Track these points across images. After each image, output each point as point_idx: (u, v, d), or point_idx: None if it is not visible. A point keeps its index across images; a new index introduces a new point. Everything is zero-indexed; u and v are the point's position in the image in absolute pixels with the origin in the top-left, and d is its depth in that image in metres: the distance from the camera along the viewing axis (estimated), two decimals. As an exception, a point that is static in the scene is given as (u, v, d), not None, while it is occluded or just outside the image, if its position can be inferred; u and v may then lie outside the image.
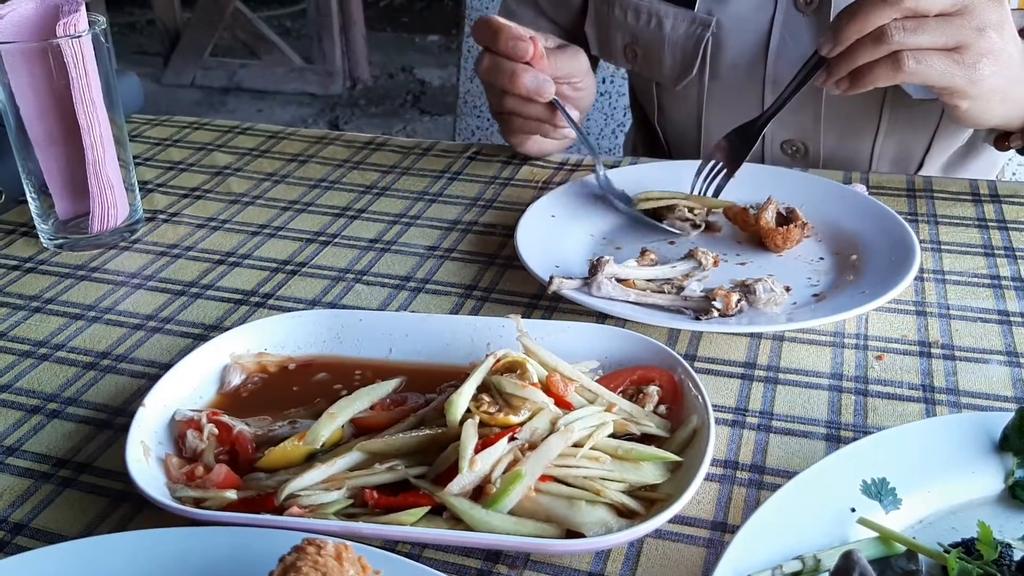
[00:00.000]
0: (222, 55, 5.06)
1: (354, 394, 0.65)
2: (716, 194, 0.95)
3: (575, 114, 0.99)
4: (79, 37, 0.86)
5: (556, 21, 1.25)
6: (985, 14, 0.83)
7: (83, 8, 0.88)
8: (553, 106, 0.97)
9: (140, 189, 1.00)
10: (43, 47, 0.86)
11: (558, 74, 0.97)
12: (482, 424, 0.59)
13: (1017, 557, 0.52)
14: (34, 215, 0.94)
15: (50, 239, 0.94)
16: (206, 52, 4.94)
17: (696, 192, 0.95)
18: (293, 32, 5.77)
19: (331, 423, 0.61)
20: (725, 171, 0.95)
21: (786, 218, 0.88)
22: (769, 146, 1.16)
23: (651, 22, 1.15)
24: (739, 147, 0.94)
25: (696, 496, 0.60)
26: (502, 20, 0.97)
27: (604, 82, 2.43)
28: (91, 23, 0.88)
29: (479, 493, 0.56)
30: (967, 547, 0.52)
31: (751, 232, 0.89)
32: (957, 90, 0.86)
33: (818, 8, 1.06)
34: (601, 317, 0.77)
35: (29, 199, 0.93)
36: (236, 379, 0.70)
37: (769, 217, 0.87)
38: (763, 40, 1.10)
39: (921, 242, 0.86)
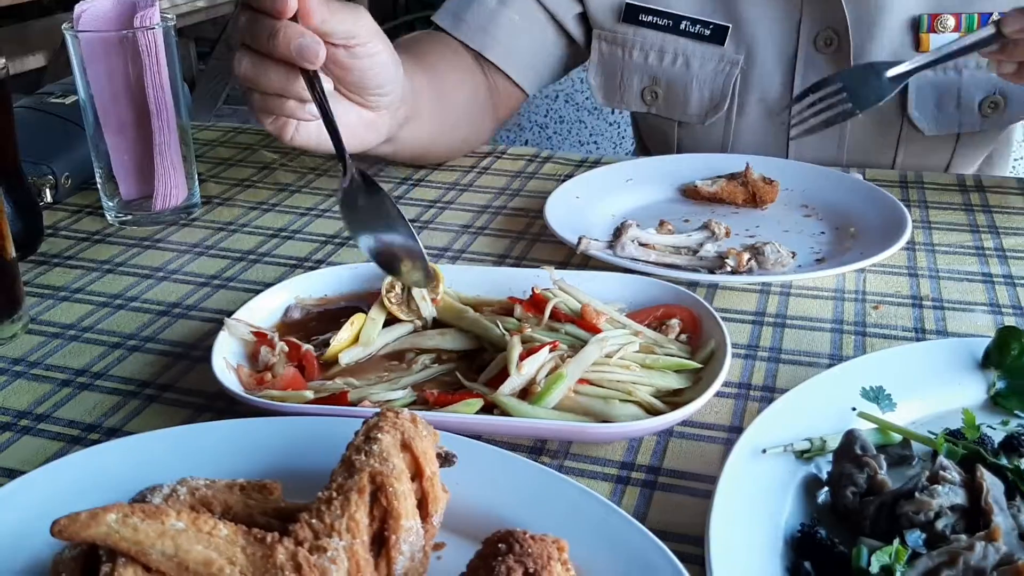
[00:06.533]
0: (236, 103, 5.21)
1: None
2: (827, 125, 0.96)
3: (329, 86, 0.83)
4: (153, 29, 0.96)
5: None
6: None
7: (157, 4, 0.98)
8: (304, 75, 0.77)
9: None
10: (120, 37, 0.96)
11: (332, 34, 0.79)
12: (525, 341, 0.67)
13: (996, 439, 0.59)
14: (101, 195, 1.02)
15: (115, 216, 1.03)
16: (220, 100, 5.08)
17: (800, 113, 0.98)
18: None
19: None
20: (848, 107, 0.95)
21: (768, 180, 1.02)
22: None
23: (676, 61, 1.20)
24: (865, 90, 0.94)
25: (714, 407, 0.68)
26: None
27: (613, 112, 2.52)
28: (163, 18, 0.98)
29: (525, 395, 0.64)
30: (954, 434, 0.60)
31: (744, 200, 1.02)
32: None
33: (837, 49, 1.13)
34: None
35: (98, 180, 1.02)
36: (297, 315, 0.78)
37: (755, 176, 1.01)
38: (788, 78, 1.17)
39: (913, 222, 0.95)
